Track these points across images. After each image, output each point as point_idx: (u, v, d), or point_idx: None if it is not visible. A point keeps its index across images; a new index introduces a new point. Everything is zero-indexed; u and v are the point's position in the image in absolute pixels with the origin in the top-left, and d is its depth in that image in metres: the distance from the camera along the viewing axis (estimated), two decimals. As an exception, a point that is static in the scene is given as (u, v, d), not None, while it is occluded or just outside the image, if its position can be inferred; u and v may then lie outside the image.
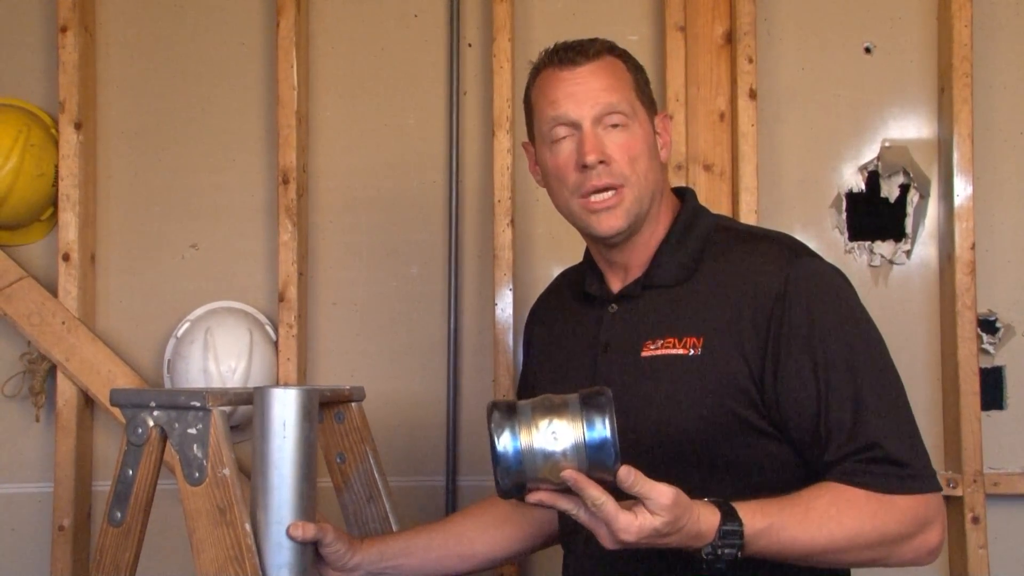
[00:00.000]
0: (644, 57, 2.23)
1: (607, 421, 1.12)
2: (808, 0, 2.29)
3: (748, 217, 2.16)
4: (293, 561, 1.32)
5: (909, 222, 2.26)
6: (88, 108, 2.30)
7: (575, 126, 1.37)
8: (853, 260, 2.27)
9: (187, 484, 1.31)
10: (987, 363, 2.22)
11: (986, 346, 2.22)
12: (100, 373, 2.23)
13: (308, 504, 1.33)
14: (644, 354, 1.36)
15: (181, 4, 2.36)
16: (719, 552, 1.16)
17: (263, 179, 2.33)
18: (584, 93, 1.37)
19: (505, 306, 2.21)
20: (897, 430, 1.26)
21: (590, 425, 1.12)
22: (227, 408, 1.34)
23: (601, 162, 1.35)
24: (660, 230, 1.43)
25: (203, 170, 2.34)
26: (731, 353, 1.30)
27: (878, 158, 2.27)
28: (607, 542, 1.15)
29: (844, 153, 2.28)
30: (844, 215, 2.28)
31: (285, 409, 1.31)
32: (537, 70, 1.44)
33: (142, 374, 2.28)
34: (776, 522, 1.19)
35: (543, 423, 1.14)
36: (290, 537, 1.31)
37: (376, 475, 1.59)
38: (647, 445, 1.30)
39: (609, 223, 1.37)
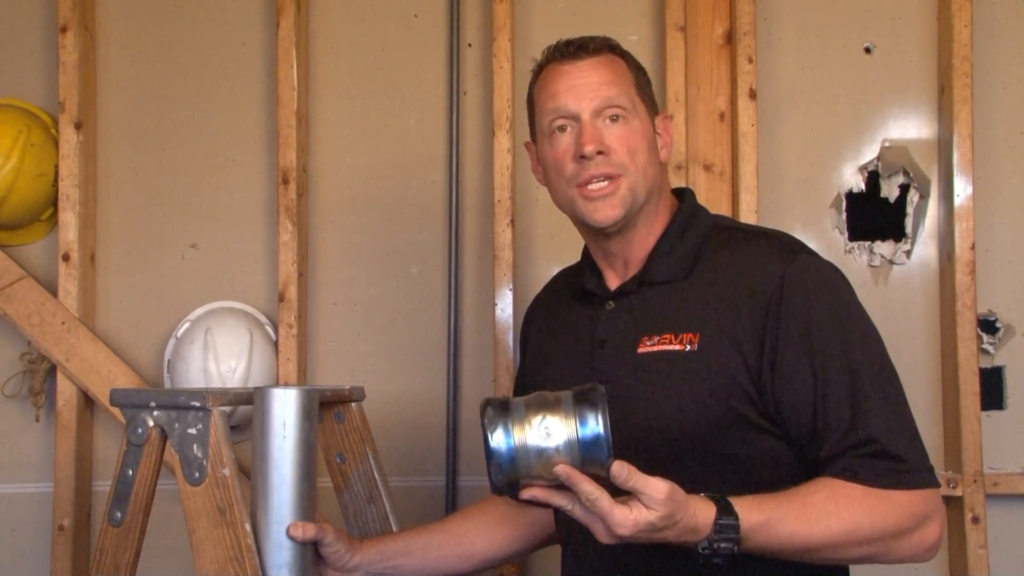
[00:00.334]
0: (644, 57, 2.23)
1: (600, 417, 1.13)
2: (808, 0, 2.29)
3: (748, 217, 2.16)
4: (293, 561, 1.32)
5: (909, 222, 2.26)
6: (88, 108, 2.30)
7: (575, 118, 1.38)
8: (853, 260, 2.27)
9: (187, 484, 1.32)
10: (987, 363, 2.22)
11: (986, 346, 2.22)
12: (100, 373, 2.23)
13: (308, 504, 1.33)
14: (641, 350, 1.36)
15: (181, 4, 2.36)
16: (715, 546, 1.16)
17: (263, 179, 2.33)
18: (584, 86, 1.37)
19: (505, 306, 2.22)
20: (894, 425, 1.26)
21: (583, 421, 1.13)
22: (227, 408, 1.34)
23: (599, 152, 1.36)
24: (658, 228, 1.44)
25: (203, 170, 2.34)
26: (728, 349, 1.30)
27: (878, 158, 2.27)
28: (603, 537, 1.16)
29: (844, 153, 2.28)
30: (844, 215, 2.28)
31: (285, 409, 1.31)
32: (539, 67, 1.45)
33: (142, 374, 2.28)
34: (773, 517, 1.19)
35: (536, 419, 1.14)
36: (290, 537, 1.31)
37: (376, 475, 1.59)
38: (644, 441, 1.30)
39: (605, 212, 1.37)
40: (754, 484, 1.26)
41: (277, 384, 2.22)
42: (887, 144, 2.27)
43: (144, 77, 2.36)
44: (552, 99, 1.39)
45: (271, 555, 1.31)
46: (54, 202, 2.28)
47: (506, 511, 1.58)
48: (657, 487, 1.12)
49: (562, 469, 1.12)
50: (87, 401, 2.27)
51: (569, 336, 1.50)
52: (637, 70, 1.44)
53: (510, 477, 1.15)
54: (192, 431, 1.32)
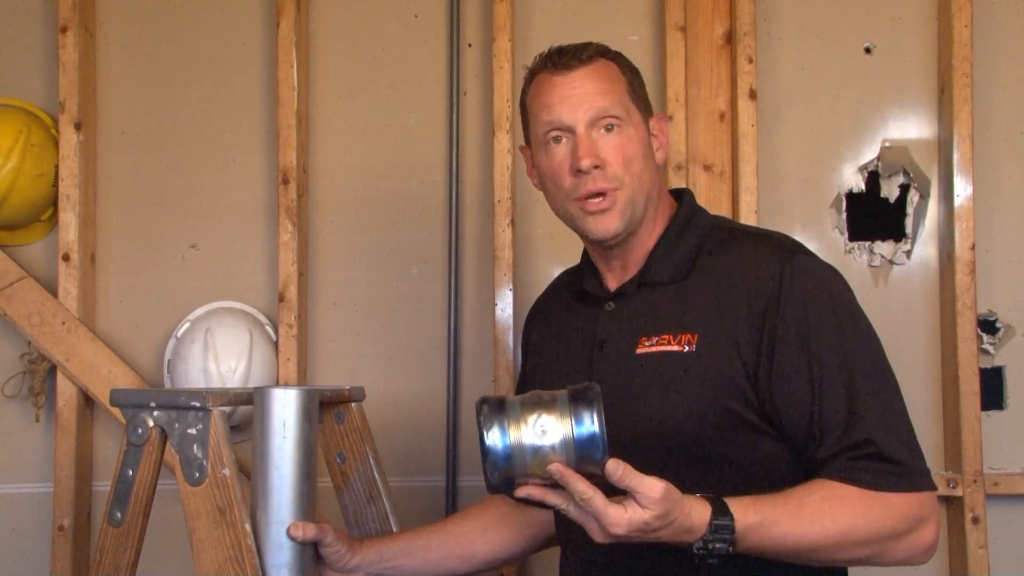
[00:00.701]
0: (644, 57, 2.26)
1: (595, 416, 1.13)
2: (808, 0, 2.29)
3: (748, 217, 2.16)
4: (293, 561, 1.32)
5: (909, 222, 2.26)
6: (88, 108, 2.30)
7: (569, 130, 1.38)
8: (853, 260, 2.27)
9: (187, 484, 1.32)
10: (987, 363, 2.22)
11: (986, 346, 2.22)
12: (100, 373, 2.23)
13: (308, 504, 1.33)
14: (639, 351, 1.36)
15: (181, 4, 2.36)
16: (710, 546, 1.17)
17: (263, 179, 2.33)
18: (578, 97, 1.37)
19: (505, 306, 2.22)
20: (891, 427, 1.27)
21: (578, 420, 1.14)
22: (227, 408, 1.34)
23: (596, 166, 1.36)
24: (657, 229, 1.44)
25: (203, 170, 2.34)
26: (726, 350, 1.30)
27: (878, 158, 2.27)
28: (597, 536, 1.16)
29: (844, 153, 2.28)
30: (844, 215, 2.28)
31: (285, 409, 1.31)
32: (532, 75, 1.44)
33: (142, 374, 2.28)
34: (768, 517, 1.19)
35: (532, 418, 1.15)
36: (290, 537, 1.31)
37: (376, 475, 1.59)
38: (642, 441, 1.30)
39: (605, 225, 1.38)
40: (750, 485, 1.26)
41: (277, 384, 2.22)
42: (887, 144, 2.27)
43: (144, 77, 2.36)
44: (546, 111, 1.39)
45: (271, 555, 1.31)
46: (54, 202, 2.28)
47: (506, 512, 1.58)
48: (652, 486, 1.13)
49: (556, 468, 1.13)
50: (87, 401, 2.27)
51: (569, 337, 1.50)
52: (631, 73, 1.44)
53: (506, 475, 1.15)
54: (192, 431, 1.32)
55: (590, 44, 1.42)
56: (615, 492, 1.14)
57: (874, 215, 2.27)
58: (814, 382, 1.27)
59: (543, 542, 1.60)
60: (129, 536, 1.38)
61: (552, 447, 1.14)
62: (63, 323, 2.24)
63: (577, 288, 1.53)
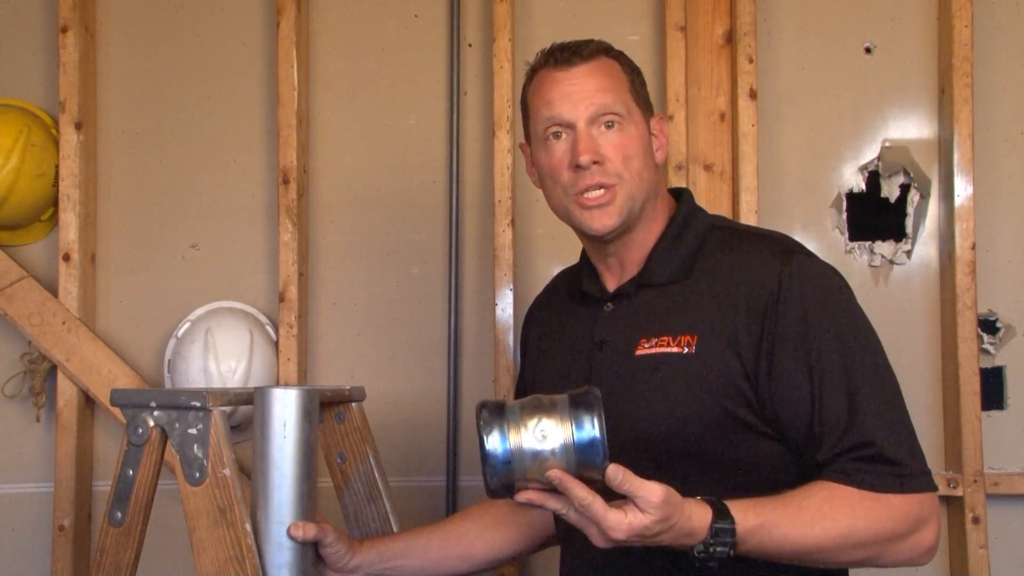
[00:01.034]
0: (644, 57, 2.25)
1: (595, 420, 1.13)
2: (808, 0, 2.29)
3: (748, 217, 2.16)
4: (293, 561, 1.32)
5: (909, 222, 2.26)
6: (88, 108, 2.30)
7: (569, 127, 1.38)
8: (853, 260, 2.27)
9: (187, 484, 1.32)
10: (987, 363, 2.22)
11: (986, 346, 2.22)
12: (100, 373, 2.23)
13: (308, 504, 1.33)
14: (639, 352, 1.36)
15: (182, 4, 2.36)
16: (711, 550, 1.16)
17: (263, 179, 2.33)
18: (579, 94, 1.37)
19: (505, 306, 2.21)
20: (891, 428, 1.26)
21: (579, 425, 1.13)
22: (227, 408, 1.34)
23: (595, 162, 1.35)
24: (656, 229, 1.43)
25: (203, 170, 2.34)
26: (725, 351, 1.30)
27: (878, 158, 2.27)
28: (598, 541, 1.15)
29: (844, 153, 2.28)
30: (844, 215, 2.28)
31: (285, 409, 1.31)
32: (533, 71, 1.44)
33: (142, 374, 2.28)
34: (768, 520, 1.19)
35: (532, 422, 1.14)
36: (290, 537, 1.31)
37: (376, 475, 1.59)
38: (641, 443, 1.30)
39: (602, 221, 1.37)
40: (750, 486, 1.26)
41: (277, 384, 2.22)
42: (887, 144, 2.27)
43: (145, 77, 2.36)
44: (547, 107, 1.39)
45: (271, 555, 1.31)
46: (54, 202, 2.28)
47: (506, 512, 1.58)
48: (652, 490, 1.12)
49: (555, 474, 1.12)
50: (87, 401, 2.27)
51: (568, 337, 1.49)
52: (632, 72, 1.43)
53: (506, 480, 1.15)
54: (192, 431, 1.32)
55: (592, 41, 1.42)
56: (614, 496, 1.14)
57: (874, 215, 2.27)
58: (814, 383, 1.27)
59: (543, 542, 1.60)
60: (129, 536, 1.38)
61: (552, 451, 1.13)
62: (63, 323, 2.24)
63: (576, 288, 1.52)
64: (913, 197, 2.26)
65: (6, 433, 2.32)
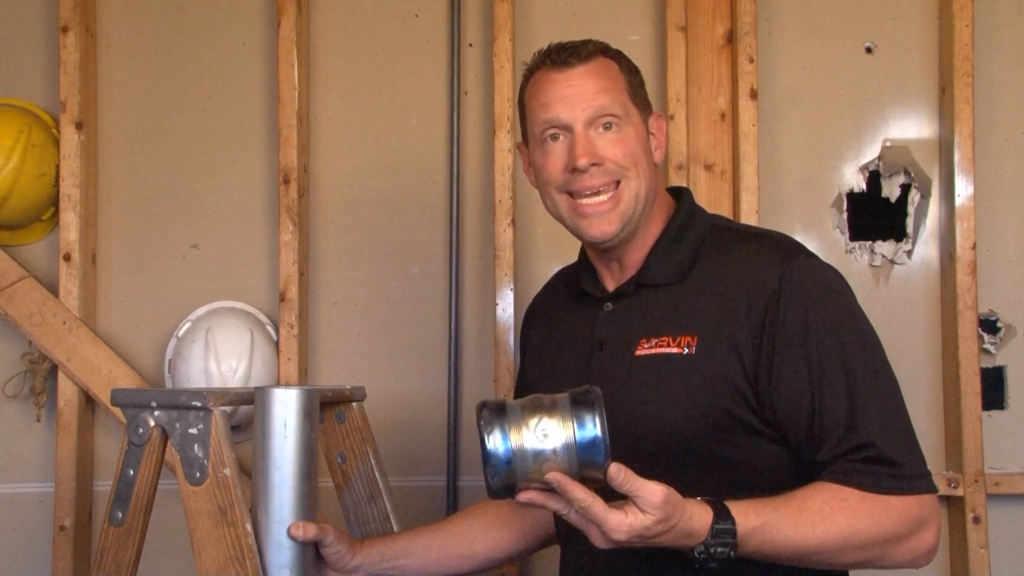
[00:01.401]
0: (645, 57, 2.26)
1: (597, 420, 1.12)
2: (809, 0, 2.29)
3: (749, 217, 2.16)
4: (294, 561, 1.32)
5: (910, 222, 2.26)
6: (89, 108, 2.30)
7: (567, 129, 1.37)
8: (854, 260, 2.27)
9: (188, 484, 1.32)
10: (988, 363, 2.22)
11: (987, 346, 2.22)
12: (101, 373, 2.23)
13: (309, 504, 1.33)
14: (638, 353, 1.36)
15: (182, 4, 2.36)
16: (712, 551, 1.16)
17: (264, 179, 2.33)
18: (576, 95, 1.36)
19: (506, 306, 2.21)
20: (891, 430, 1.26)
21: (580, 424, 1.12)
22: (228, 408, 1.34)
23: (594, 164, 1.35)
24: (655, 229, 1.43)
25: (204, 170, 2.34)
26: (725, 352, 1.30)
27: (879, 158, 2.27)
28: (599, 541, 1.15)
29: (845, 153, 2.28)
30: (845, 215, 2.28)
31: (286, 409, 1.31)
32: (530, 72, 1.43)
33: (143, 374, 2.28)
34: (769, 521, 1.19)
35: (533, 422, 1.13)
36: (291, 537, 1.31)
37: (377, 475, 1.59)
38: (641, 444, 1.30)
39: (601, 228, 1.37)
40: (751, 487, 1.25)
41: (278, 384, 2.22)
42: (888, 144, 2.27)
43: (145, 77, 2.36)
44: (544, 109, 1.38)
45: (272, 555, 1.31)
46: (55, 202, 2.28)
47: (507, 511, 1.57)
48: (653, 491, 1.12)
49: (553, 477, 1.12)
50: (88, 401, 2.27)
51: (568, 338, 1.49)
52: (630, 71, 1.43)
53: (507, 480, 1.14)
54: (193, 431, 1.32)
55: (589, 41, 1.41)
56: (615, 495, 1.14)
57: (875, 215, 2.27)
58: (814, 384, 1.27)
59: (543, 541, 1.60)
60: (130, 536, 1.38)
61: (554, 451, 1.12)
62: (64, 323, 2.24)
63: (575, 288, 1.52)
64: (914, 197, 2.26)
65: (7, 433, 2.32)
